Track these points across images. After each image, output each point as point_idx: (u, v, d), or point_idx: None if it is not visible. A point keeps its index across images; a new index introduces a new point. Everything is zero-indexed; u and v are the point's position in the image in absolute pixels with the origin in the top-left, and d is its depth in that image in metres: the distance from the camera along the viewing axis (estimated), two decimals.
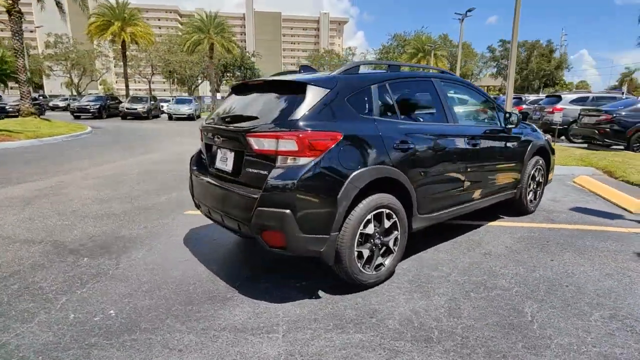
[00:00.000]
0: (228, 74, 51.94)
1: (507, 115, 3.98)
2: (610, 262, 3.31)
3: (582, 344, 2.19)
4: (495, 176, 3.93)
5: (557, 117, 11.68)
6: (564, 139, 13.00)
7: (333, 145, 2.46)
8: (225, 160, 2.93)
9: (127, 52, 35.22)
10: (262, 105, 2.83)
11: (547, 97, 15.59)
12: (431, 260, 3.35)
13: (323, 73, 3.10)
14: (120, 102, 28.23)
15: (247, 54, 51.97)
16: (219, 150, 3.03)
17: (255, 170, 2.60)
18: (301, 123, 2.44)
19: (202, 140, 3.29)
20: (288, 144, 2.40)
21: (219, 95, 37.35)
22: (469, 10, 26.13)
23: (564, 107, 12.69)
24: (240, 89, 3.26)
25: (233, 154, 2.84)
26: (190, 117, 25.64)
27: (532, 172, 4.45)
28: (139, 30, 32.79)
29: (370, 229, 2.71)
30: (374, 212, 2.69)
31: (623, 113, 9.73)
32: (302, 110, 2.49)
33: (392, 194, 2.80)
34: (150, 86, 47.58)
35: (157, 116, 28.03)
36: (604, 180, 6.37)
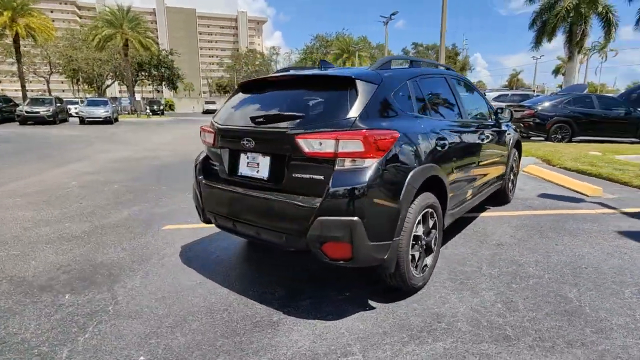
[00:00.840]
0: (143, 73, 48.10)
1: (499, 110, 4.18)
2: (602, 241, 3.66)
3: (637, 321, 2.34)
4: (494, 168, 4.11)
5: None
6: None
7: (393, 145, 2.29)
8: (255, 166, 2.58)
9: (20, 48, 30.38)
10: (301, 103, 2.53)
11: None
12: (454, 255, 3.36)
13: (359, 68, 2.91)
14: (17, 104, 24.28)
15: (164, 51, 48.63)
16: (243, 155, 2.65)
17: (306, 176, 2.32)
18: (362, 121, 2.23)
19: (213, 145, 2.86)
20: (351, 145, 2.17)
21: (138, 96, 34.13)
22: (393, 14, 27.63)
23: None
24: (257, 86, 2.91)
25: (269, 158, 2.50)
26: (107, 121, 23.08)
27: (512, 164, 4.76)
28: (35, 22, 28.47)
29: (420, 230, 2.60)
30: (422, 212, 2.59)
31: (540, 108, 11.06)
32: (358, 107, 2.28)
33: (432, 192, 2.73)
34: (48, 86, 41.82)
35: (64, 120, 24.73)
36: (546, 169, 7.13)
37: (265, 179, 2.51)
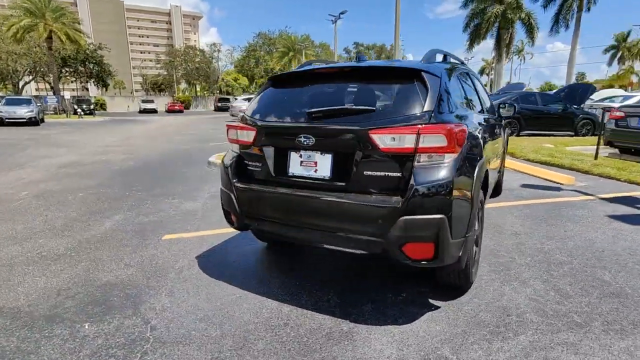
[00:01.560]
0: (68, 69, 43.70)
1: (502, 105, 4.34)
2: (601, 226, 3.95)
3: None
4: (500, 160, 4.27)
5: None
6: None
7: (466, 139, 2.23)
8: (312, 165, 2.36)
9: None
10: (363, 97, 2.37)
11: None
12: (483, 248, 3.41)
13: (411, 61, 2.80)
14: None
15: (92, 45, 44.59)
16: (294, 153, 2.43)
17: (379, 173, 2.16)
18: (438, 116, 2.13)
19: (253, 143, 2.58)
20: (434, 139, 2.06)
21: (67, 95, 30.79)
22: (342, 13, 27.98)
23: None
24: (297, 80, 2.68)
25: (330, 156, 2.30)
26: (32, 122, 20.55)
27: (504, 156, 4.99)
28: None
29: (477, 225, 2.58)
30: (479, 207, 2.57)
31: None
32: (430, 101, 2.17)
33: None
34: None
35: None
36: (513, 161, 7.63)
37: (326, 178, 2.31)
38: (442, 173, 2.06)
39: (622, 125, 7.61)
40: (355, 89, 2.46)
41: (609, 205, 4.70)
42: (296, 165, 2.42)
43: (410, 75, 2.29)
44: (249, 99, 22.09)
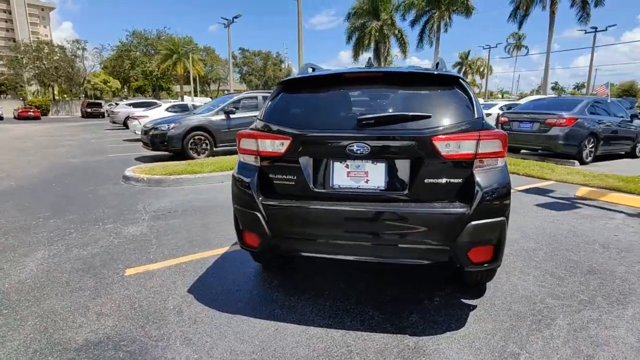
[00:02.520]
0: None
1: None
2: (537, 214, 4.65)
3: None
4: None
5: None
6: None
7: None
8: (362, 175, 2.20)
9: None
10: (409, 102, 2.30)
11: None
12: None
13: (431, 68, 2.79)
14: None
15: None
16: (339, 163, 2.22)
17: (440, 180, 2.13)
18: (486, 122, 2.21)
19: (285, 154, 2.27)
20: (491, 145, 2.12)
21: None
22: (236, 17, 27.06)
23: None
24: (323, 83, 2.46)
25: (384, 164, 2.18)
26: None
27: None
28: None
29: None
30: None
31: None
32: (475, 107, 2.23)
33: None
34: None
35: None
36: None
37: (381, 188, 2.18)
38: (500, 176, 2.15)
39: (506, 128, 9.13)
40: (394, 95, 2.38)
41: (529, 195, 5.58)
42: (342, 176, 2.23)
43: (449, 82, 2.33)
44: (136, 105, 19.70)
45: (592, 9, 27.36)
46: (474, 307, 2.54)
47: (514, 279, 2.91)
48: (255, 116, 9.81)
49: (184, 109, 15.34)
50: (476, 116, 2.19)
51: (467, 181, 2.12)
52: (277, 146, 2.30)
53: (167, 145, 8.60)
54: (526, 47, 63.87)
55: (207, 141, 8.92)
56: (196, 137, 8.79)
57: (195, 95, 43.46)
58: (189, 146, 8.71)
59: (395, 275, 2.97)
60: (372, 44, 36.89)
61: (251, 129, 2.47)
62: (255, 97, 9.98)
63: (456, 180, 2.13)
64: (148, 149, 9.13)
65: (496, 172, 2.16)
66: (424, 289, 2.77)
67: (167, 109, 15.74)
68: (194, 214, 4.64)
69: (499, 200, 2.11)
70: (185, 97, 42.41)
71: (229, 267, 3.14)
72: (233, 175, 2.48)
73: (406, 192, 2.16)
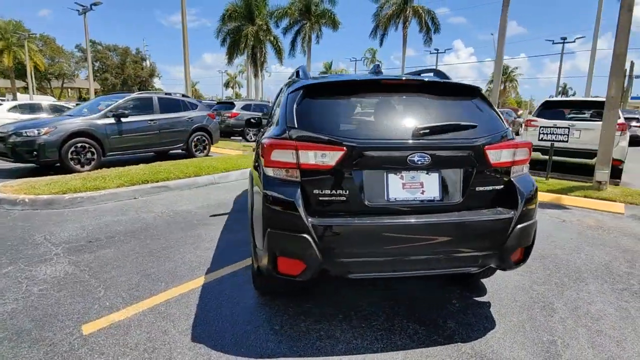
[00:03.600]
0: None
1: None
2: None
3: None
4: None
5: (233, 121, 14.04)
6: (242, 139, 15.32)
7: None
8: (417, 187, 2.10)
9: None
10: (448, 111, 2.29)
11: (218, 103, 17.54)
12: None
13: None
14: None
15: None
16: (394, 175, 2.08)
17: (487, 188, 2.21)
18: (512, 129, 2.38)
19: (335, 166, 2.01)
20: (523, 153, 2.29)
21: None
22: (95, 4, 22.84)
23: (239, 112, 14.96)
24: (357, 89, 2.27)
25: (437, 175, 2.13)
26: None
27: None
28: None
29: None
30: None
31: None
32: (500, 116, 2.39)
33: None
34: None
35: None
36: None
37: (436, 199, 2.13)
38: (530, 181, 2.34)
39: None
40: (429, 104, 2.34)
41: None
42: (397, 188, 2.10)
43: (473, 92, 2.43)
44: (21, 107, 14.91)
45: (433, 34, 33.43)
46: (489, 303, 2.71)
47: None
48: (152, 120, 8.44)
49: (37, 109, 12.41)
50: (506, 126, 2.35)
51: (508, 187, 2.24)
52: (325, 158, 2.02)
53: (38, 156, 6.79)
54: (380, 62, 72.69)
55: (92, 149, 7.38)
56: (78, 145, 7.18)
57: (33, 93, 35.56)
58: (70, 156, 7.06)
59: (399, 283, 2.96)
60: (249, 49, 36.55)
61: (282, 137, 2.13)
62: (150, 99, 8.75)
63: (499, 187, 2.24)
64: (5, 161, 7.07)
65: (526, 177, 2.35)
66: (435, 293, 2.83)
67: (9, 110, 12.54)
68: (127, 241, 3.77)
69: (533, 203, 2.29)
70: (19, 94, 34.41)
71: (224, 303, 2.63)
72: (268, 195, 2.08)
73: (459, 201, 2.17)
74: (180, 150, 9.42)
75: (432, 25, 33.79)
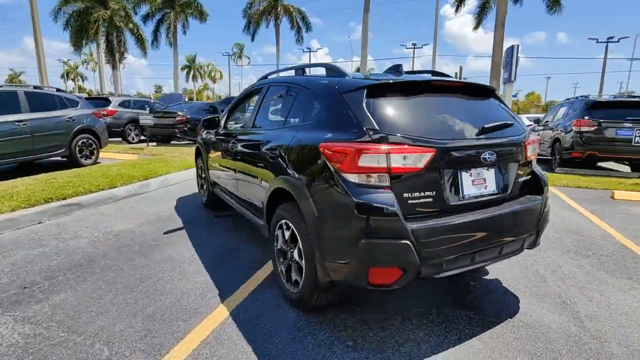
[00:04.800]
0: None
1: None
2: None
3: None
4: None
5: (110, 119, 12.21)
6: (122, 140, 13.28)
7: None
8: (482, 182, 2.26)
9: None
10: (489, 111, 2.47)
11: (88, 99, 14.61)
12: None
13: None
14: None
15: None
16: (465, 173, 2.18)
17: (523, 179, 2.50)
18: None
19: (425, 168, 1.98)
20: (536, 147, 2.65)
21: None
22: None
23: (116, 110, 12.92)
24: (410, 90, 2.26)
25: (493, 170, 2.33)
26: None
27: None
28: None
29: None
30: None
31: (189, 115, 12.01)
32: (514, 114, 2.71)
33: None
34: None
35: None
36: None
37: (495, 192, 2.31)
38: (541, 170, 2.73)
39: None
40: (468, 103, 2.48)
41: None
42: (469, 185, 2.21)
43: (490, 94, 2.69)
44: None
45: (305, 33, 34.74)
46: (503, 282, 3.04)
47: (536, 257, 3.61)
48: (19, 121, 6.72)
49: None
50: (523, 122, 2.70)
51: (533, 177, 2.58)
52: (417, 160, 1.99)
53: None
54: (248, 57, 71.64)
55: None
56: None
57: None
58: None
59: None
60: (102, 36, 31.76)
61: (366, 141, 1.99)
62: (15, 94, 6.83)
63: (527, 177, 2.56)
64: None
65: (538, 167, 2.74)
66: (452, 280, 3.05)
67: None
68: (80, 279, 2.94)
69: (548, 188, 2.69)
70: None
71: (273, 330, 2.33)
72: (356, 203, 1.92)
73: (509, 192, 2.40)
74: (60, 158, 7.65)
75: (303, 24, 35.02)
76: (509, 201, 2.41)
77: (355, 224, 1.95)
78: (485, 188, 2.30)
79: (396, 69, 2.78)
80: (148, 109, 13.31)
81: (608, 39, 35.64)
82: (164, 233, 4.02)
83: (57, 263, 3.23)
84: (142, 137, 13.03)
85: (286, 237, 2.55)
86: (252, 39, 37.30)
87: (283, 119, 2.93)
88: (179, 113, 11.96)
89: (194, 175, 5.77)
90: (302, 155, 2.41)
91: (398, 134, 2.02)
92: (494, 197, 2.34)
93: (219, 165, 4.17)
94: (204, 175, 4.93)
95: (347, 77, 2.45)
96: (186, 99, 31.06)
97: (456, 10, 21.81)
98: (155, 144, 12.21)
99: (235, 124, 4.15)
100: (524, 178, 2.54)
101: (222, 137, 4.03)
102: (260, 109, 3.41)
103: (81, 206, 4.80)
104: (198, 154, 5.18)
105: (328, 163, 2.10)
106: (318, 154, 2.17)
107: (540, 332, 2.34)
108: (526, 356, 2.12)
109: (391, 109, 2.16)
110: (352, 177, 1.99)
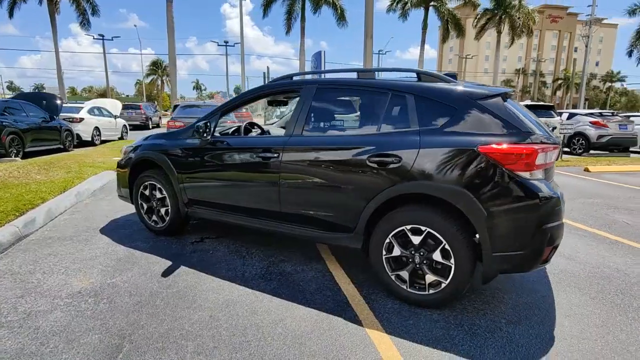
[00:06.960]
0: None
1: None
2: None
3: None
4: None
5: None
6: None
7: None
8: None
9: None
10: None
11: None
12: None
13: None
14: None
15: None
16: None
17: None
18: None
19: (542, 166, 2.39)
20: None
21: None
22: None
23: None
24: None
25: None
26: None
27: None
28: None
29: None
30: None
31: None
32: None
33: None
34: None
35: None
36: None
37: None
38: None
39: None
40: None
41: None
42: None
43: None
44: None
45: (91, 16, 27.52)
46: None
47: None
48: None
49: None
50: None
51: None
52: (551, 156, 2.42)
53: None
54: None
55: None
56: None
57: None
58: None
59: None
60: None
61: (532, 143, 2.30)
62: None
63: None
64: None
65: None
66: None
67: None
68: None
69: None
70: None
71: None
72: (540, 196, 2.26)
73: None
74: None
75: (89, 6, 27.56)
76: None
77: (538, 214, 2.24)
78: None
79: (452, 75, 2.84)
80: None
81: None
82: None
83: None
84: None
85: (415, 243, 2.49)
86: (10, 15, 25.56)
87: (375, 125, 2.73)
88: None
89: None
90: (448, 158, 2.37)
91: (535, 134, 2.35)
92: None
93: (224, 178, 3.39)
94: (159, 196, 3.82)
95: (457, 84, 2.61)
96: None
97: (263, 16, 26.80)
98: None
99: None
100: None
101: (231, 147, 3.32)
102: (311, 113, 3.01)
103: None
104: (137, 175, 3.95)
105: (497, 163, 2.24)
106: (476, 155, 2.28)
107: None
108: None
109: (518, 113, 2.45)
110: (526, 174, 2.25)
